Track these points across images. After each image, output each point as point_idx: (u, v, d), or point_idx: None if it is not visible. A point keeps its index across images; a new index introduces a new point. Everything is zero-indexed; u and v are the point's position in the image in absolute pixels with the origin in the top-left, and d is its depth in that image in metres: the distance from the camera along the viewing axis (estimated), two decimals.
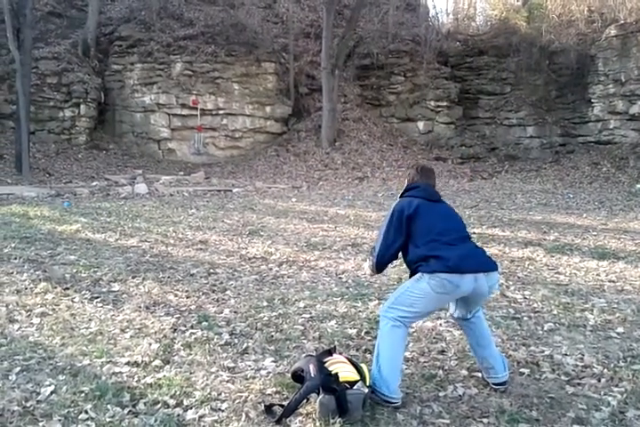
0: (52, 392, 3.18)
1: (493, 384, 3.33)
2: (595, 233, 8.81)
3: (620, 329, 4.37)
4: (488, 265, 3.22)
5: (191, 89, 20.54)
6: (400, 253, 3.36)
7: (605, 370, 3.58)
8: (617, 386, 3.37)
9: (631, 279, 5.95)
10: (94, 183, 15.87)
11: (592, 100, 19.57)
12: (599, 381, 3.44)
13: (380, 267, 3.40)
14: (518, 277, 6.01)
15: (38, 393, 3.17)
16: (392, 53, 22.02)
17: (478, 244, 3.49)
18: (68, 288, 5.34)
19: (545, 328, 4.39)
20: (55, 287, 5.34)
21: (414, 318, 3.29)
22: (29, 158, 16.83)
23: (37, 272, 5.92)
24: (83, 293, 5.21)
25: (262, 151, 20.90)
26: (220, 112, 20.93)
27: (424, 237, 3.23)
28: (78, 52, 20.46)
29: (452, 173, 19.01)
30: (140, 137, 20.76)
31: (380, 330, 3.28)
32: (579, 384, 3.40)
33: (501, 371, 3.32)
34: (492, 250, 7.34)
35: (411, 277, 3.29)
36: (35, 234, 8.06)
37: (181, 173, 18.81)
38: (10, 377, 3.38)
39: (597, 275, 6.16)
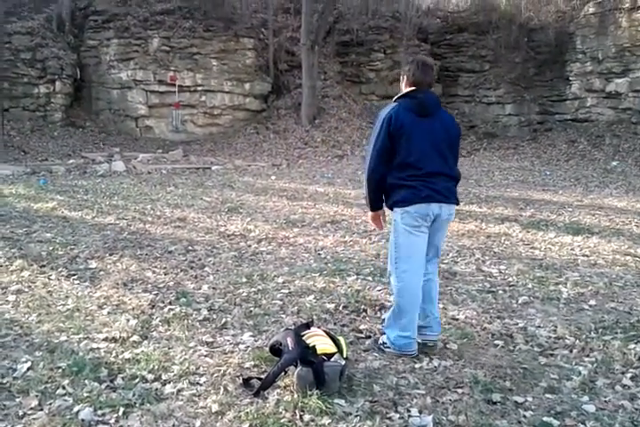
0: (28, 369, 3.17)
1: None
2: (570, 209, 8.93)
3: (593, 302, 4.46)
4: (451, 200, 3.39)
5: (169, 65, 20.18)
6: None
7: (577, 341, 3.66)
8: (588, 356, 3.45)
9: (604, 254, 6.06)
10: (71, 161, 15.65)
11: (570, 78, 19.62)
12: (571, 351, 3.52)
13: (372, 184, 3.38)
14: (494, 252, 6.08)
15: (15, 370, 3.16)
16: (372, 30, 21.80)
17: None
18: (44, 266, 5.30)
19: (519, 301, 4.46)
20: (31, 265, 5.29)
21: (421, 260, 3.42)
22: (4, 136, 16.53)
23: (13, 250, 5.86)
24: (59, 270, 5.18)
25: (242, 129, 20.70)
26: (199, 89, 20.62)
27: (403, 159, 3.32)
28: (53, 27, 19.96)
29: None
30: (117, 114, 20.43)
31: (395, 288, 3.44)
32: (551, 355, 3.47)
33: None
34: (469, 226, 7.42)
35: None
36: (10, 212, 7.97)
37: (159, 150, 18.60)
38: None
39: (572, 249, 6.26)
